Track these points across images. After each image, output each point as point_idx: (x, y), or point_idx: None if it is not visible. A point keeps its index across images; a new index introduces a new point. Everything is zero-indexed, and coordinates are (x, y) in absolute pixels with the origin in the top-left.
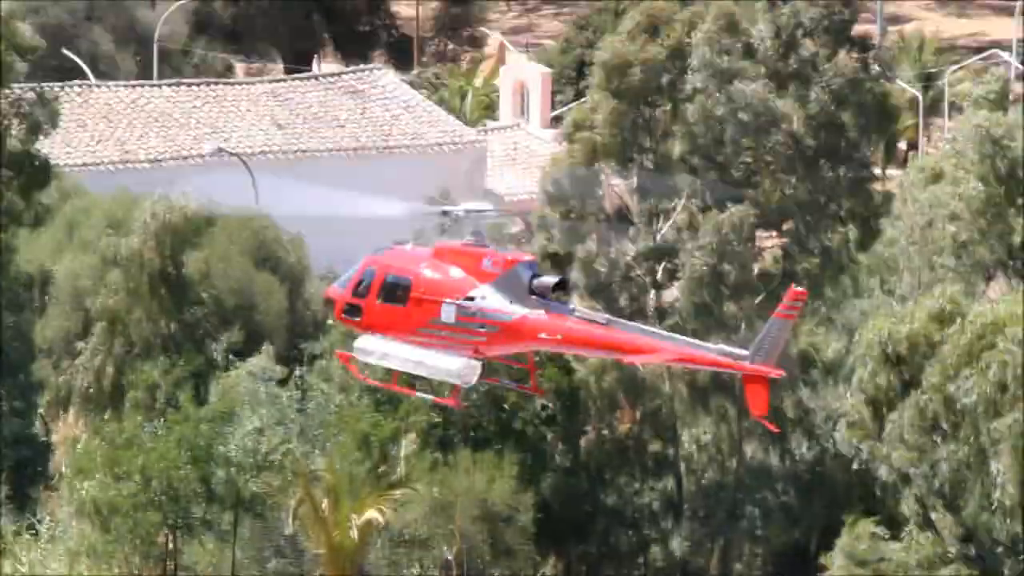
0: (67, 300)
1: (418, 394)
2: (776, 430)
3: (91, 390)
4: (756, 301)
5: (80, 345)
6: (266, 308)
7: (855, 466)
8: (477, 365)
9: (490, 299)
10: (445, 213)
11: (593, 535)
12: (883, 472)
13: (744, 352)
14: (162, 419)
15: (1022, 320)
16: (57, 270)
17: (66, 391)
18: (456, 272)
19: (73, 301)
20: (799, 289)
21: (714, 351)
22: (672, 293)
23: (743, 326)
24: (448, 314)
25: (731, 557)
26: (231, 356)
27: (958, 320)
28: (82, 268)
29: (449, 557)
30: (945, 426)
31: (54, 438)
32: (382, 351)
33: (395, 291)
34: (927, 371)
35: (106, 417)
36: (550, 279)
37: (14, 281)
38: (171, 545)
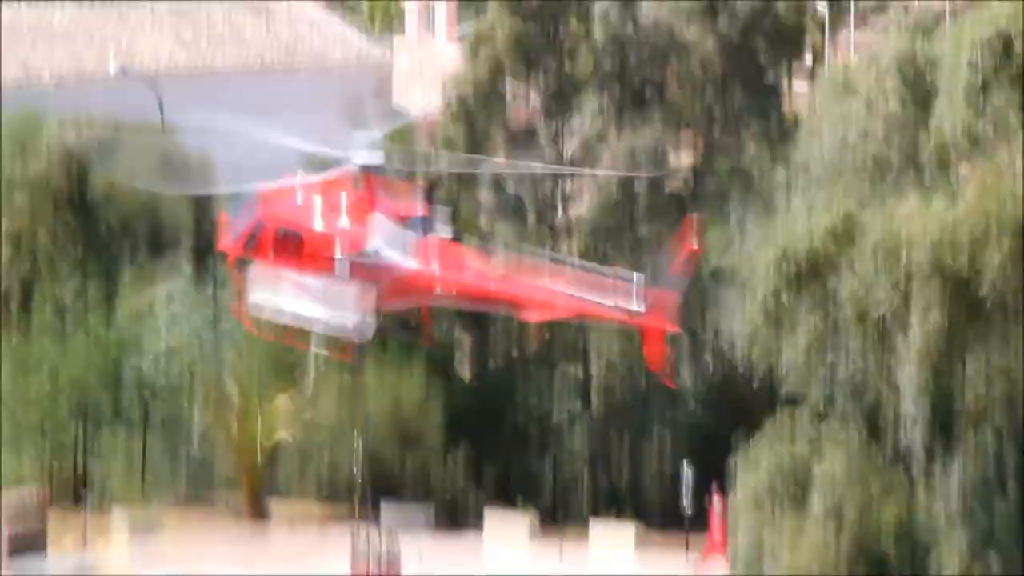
0: None
1: (314, 349)
2: (673, 386)
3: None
4: (666, 223)
5: None
6: (173, 225)
7: (755, 384)
8: (372, 322)
9: (384, 252)
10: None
11: (502, 422)
12: (786, 378)
13: (639, 307)
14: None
15: (925, 234)
16: None
17: None
18: (348, 223)
19: None
20: (693, 247)
21: (611, 305)
22: (580, 211)
23: (651, 251)
24: (342, 269)
25: (640, 449)
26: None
27: (860, 235)
28: None
29: (358, 446)
30: (849, 340)
31: None
32: (275, 305)
33: (288, 243)
34: (831, 284)
35: (14, 342)
36: (445, 230)
37: None
38: (80, 436)
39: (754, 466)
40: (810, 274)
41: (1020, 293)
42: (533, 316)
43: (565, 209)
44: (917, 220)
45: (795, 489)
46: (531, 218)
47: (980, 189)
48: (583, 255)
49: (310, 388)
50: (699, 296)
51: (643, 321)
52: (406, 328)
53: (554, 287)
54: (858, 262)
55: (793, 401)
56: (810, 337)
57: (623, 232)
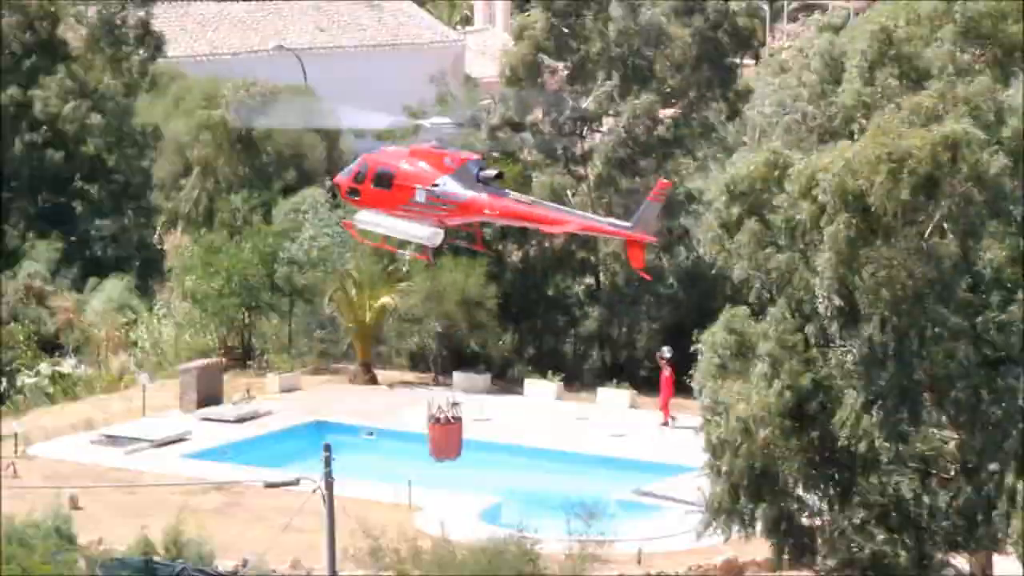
0: (173, 151)
1: (399, 252)
2: (648, 278)
3: (191, 214)
4: (654, 157)
5: (183, 182)
6: (312, 158)
7: (713, 271)
8: (441, 232)
9: (449, 185)
10: (417, 126)
11: (538, 315)
12: (734, 274)
13: (627, 224)
14: (240, 235)
15: (836, 166)
16: (167, 129)
17: (174, 214)
18: (425, 166)
19: (177, 152)
20: (666, 181)
21: (606, 223)
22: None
23: (645, 176)
24: (420, 196)
25: (634, 331)
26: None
27: (788, 166)
28: (184, 129)
29: (439, 329)
30: (780, 241)
31: (167, 247)
32: (375, 221)
33: (383, 179)
34: (768, 199)
35: (201, 233)
36: (492, 172)
37: (134, 130)
38: (246, 321)
39: (712, 344)
40: (749, 193)
41: (900, 207)
42: (552, 230)
43: (584, 147)
44: (827, 156)
45: (742, 362)
46: (560, 151)
47: (871, 136)
48: (598, 180)
49: (405, 266)
50: (678, 209)
51: (629, 234)
52: (465, 238)
53: (567, 213)
54: (786, 184)
55: (739, 292)
56: (750, 239)
57: (625, 162)
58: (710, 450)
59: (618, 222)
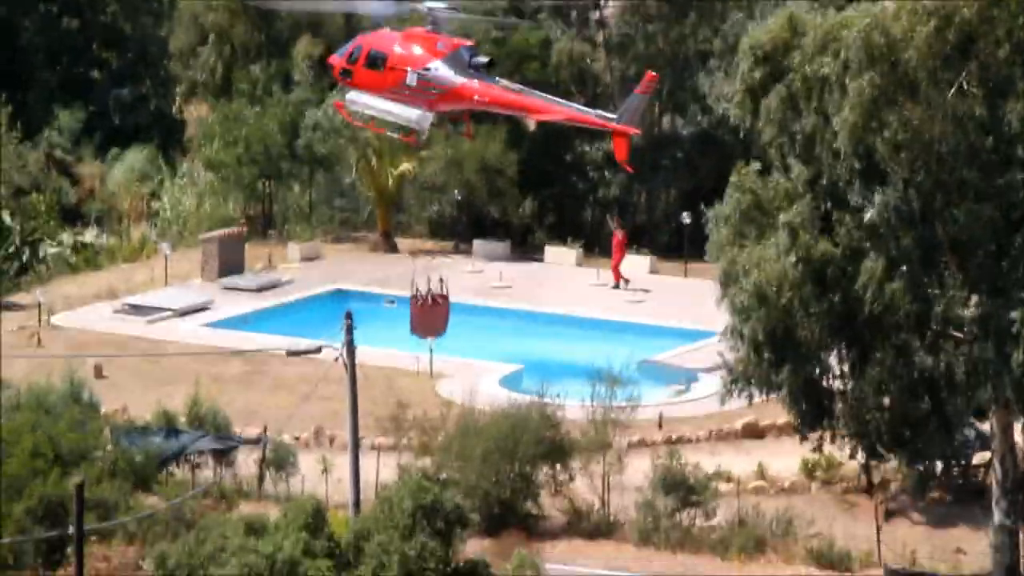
0: (189, 19)
1: (387, 132)
2: (632, 170)
3: (208, 83)
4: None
5: (200, 50)
6: (331, 23)
7: (741, 135)
8: (429, 115)
9: (441, 70)
10: (414, 10)
11: (557, 182)
12: (762, 138)
13: (613, 116)
14: (260, 104)
15: (862, 22)
16: None
17: (193, 84)
18: (418, 50)
19: (193, 20)
20: (653, 74)
21: (593, 114)
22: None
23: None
24: (412, 79)
25: (653, 198)
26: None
27: (809, 27)
28: None
29: (459, 197)
30: (802, 104)
31: (187, 116)
32: (365, 102)
33: (376, 61)
34: (789, 60)
35: (220, 102)
36: (483, 59)
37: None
38: (267, 190)
39: (726, 212)
40: (772, 57)
41: (937, 63)
42: (539, 118)
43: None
44: (852, 14)
45: (757, 227)
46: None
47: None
48: (613, 45)
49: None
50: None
51: (615, 126)
52: (454, 123)
53: (555, 103)
54: (808, 43)
55: (759, 156)
56: (779, 104)
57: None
58: (732, 315)
59: (605, 114)
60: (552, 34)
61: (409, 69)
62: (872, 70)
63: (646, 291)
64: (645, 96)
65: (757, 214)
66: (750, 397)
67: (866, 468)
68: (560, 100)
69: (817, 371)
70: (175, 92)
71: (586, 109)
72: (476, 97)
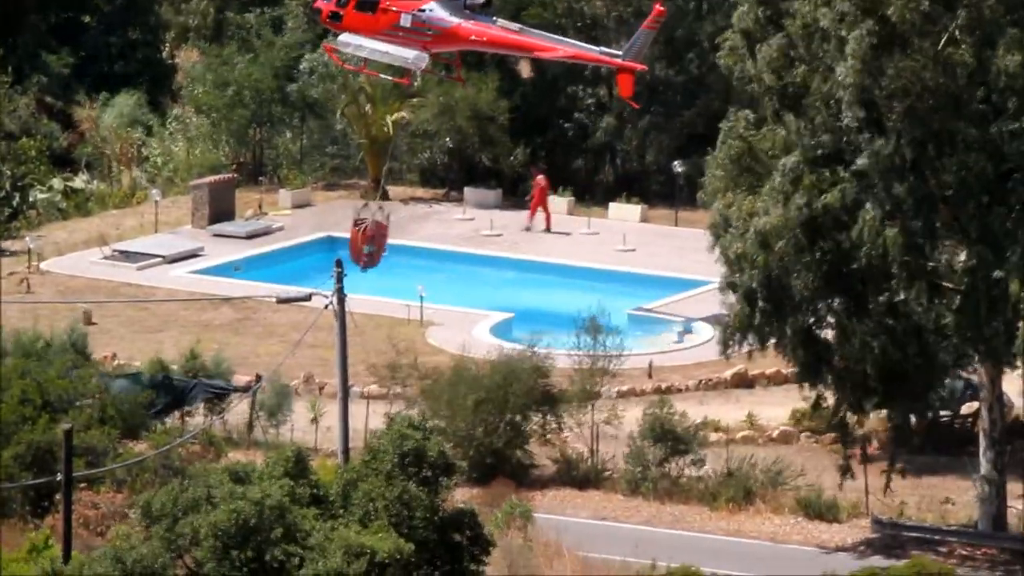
0: None
1: (381, 76)
2: (636, 106)
3: (200, 27)
4: None
5: None
6: None
7: (735, 82)
8: (426, 56)
9: (436, 11)
10: None
11: (549, 130)
12: (754, 86)
13: (618, 52)
14: (251, 50)
15: None
16: None
17: (184, 29)
18: None
19: None
20: (661, 8)
21: (596, 51)
22: None
23: None
24: (406, 20)
25: (644, 146)
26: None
27: None
28: None
29: (450, 145)
30: (798, 53)
31: (177, 61)
32: (358, 44)
33: (367, 4)
34: (788, 4)
35: (211, 47)
36: None
37: None
38: (258, 136)
39: (719, 158)
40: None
41: (918, 17)
42: (541, 56)
43: None
44: None
45: (751, 176)
46: None
47: None
48: None
49: (418, 81)
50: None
51: (620, 62)
52: (446, 69)
53: (556, 42)
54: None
55: (750, 104)
56: (775, 52)
57: None
58: (727, 264)
59: (609, 50)
60: None
61: (403, 11)
62: (866, 22)
63: (637, 241)
64: (652, 31)
65: (751, 161)
66: (750, 351)
67: (841, 421)
68: (562, 38)
69: (812, 320)
70: (165, 37)
71: (589, 46)
72: (472, 37)
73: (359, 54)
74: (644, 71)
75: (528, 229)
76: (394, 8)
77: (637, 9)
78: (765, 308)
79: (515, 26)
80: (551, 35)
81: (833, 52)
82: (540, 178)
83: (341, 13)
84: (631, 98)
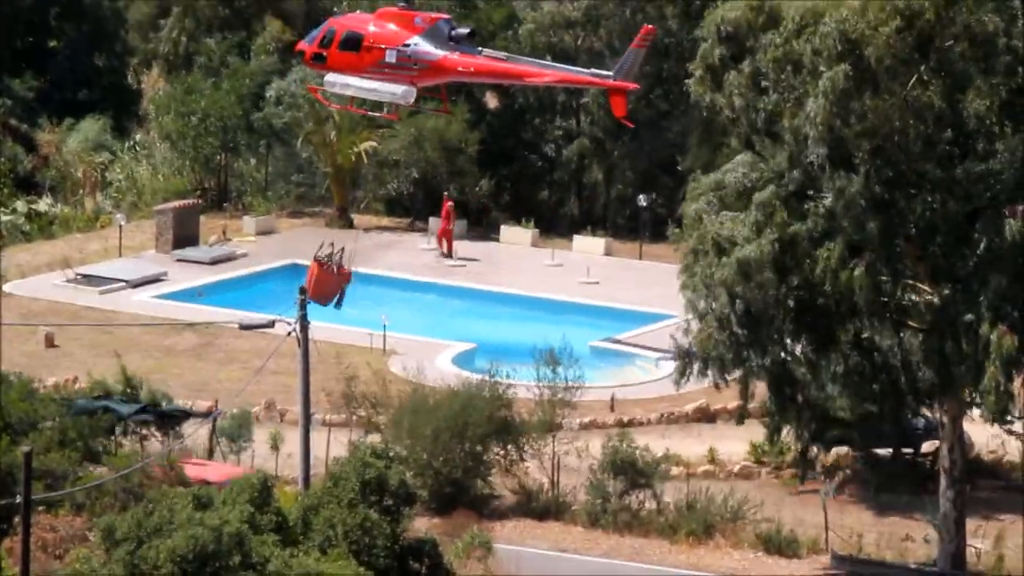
0: None
1: (370, 113)
2: (631, 125)
3: (169, 55)
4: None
5: (162, 23)
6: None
7: (704, 112)
8: (414, 89)
9: (421, 45)
10: None
11: (515, 161)
12: (723, 113)
13: (609, 73)
14: (217, 76)
15: (841, 13)
16: None
17: (151, 55)
18: (395, 27)
19: None
20: (650, 27)
21: (587, 73)
22: None
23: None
24: (391, 56)
25: (614, 174)
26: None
27: (778, 12)
28: None
29: (416, 175)
30: (768, 83)
31: (143, 87)
32: (344, 83)
33: (351, 43)
34: (763, 40)
35: (180, 74)
36: (464, 30)
37: None
38: (223, 162)
39: (696, 189)
40: (736, 36)
41: (896, 60)
42: (531, 82)
43: None
44: (823, 2)
45: (722, 206)
46: None
47: None
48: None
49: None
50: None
51: (611, 83)
52: (432, 100)
53: (544, 67)
54: (785, 26)
55: (716, 136)
56: (744, 79)
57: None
58: (701, 294)
59: (599, 71)
60: (519, 8)
61: (388, 47)
62: (843, 61)
63: (601, 274)
64: (641, 50)
65: (725, 196)
66: (717, 382)
67: (802, 455)
68: (550, 63)
69: (783, 353)
70: (131, 63)
71: (578, 69)
72: (459, 68)
73: (346, 93)
74: (636, 89)
75: (444, 256)
76: (379, 45)
77: (608, 42)
78: (740, 338)
79: (501, 54)
80: (538, 61)
81: (804, 85)
82: (450, 205)
83: (325, 54)
84: (625, 117)
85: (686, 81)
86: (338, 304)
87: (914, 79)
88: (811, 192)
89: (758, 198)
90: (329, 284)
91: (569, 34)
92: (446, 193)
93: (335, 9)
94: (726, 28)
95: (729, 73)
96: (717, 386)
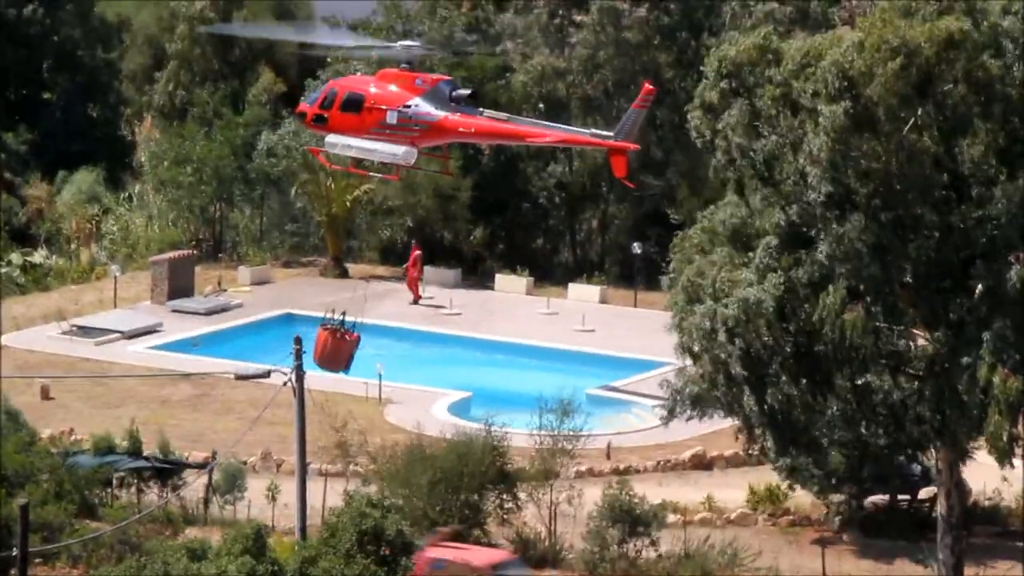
0: (144, 41)
1: (371, 174)
2: (632, 186)
3: (164, 106)
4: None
5: (157, 75)
6: (285, 51)
7: (700, 147)
8: (415, 151)
9: (422, 106)
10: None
11: (509, 209)
12: (717, 155)
13: (609, 133)
14: (211, 127)
15: (837, 51)
16: (136, 20)
17: (145, 106)
18: (396, 88)
19: (148, 42)
20: (651, 87)
21: (587, 134)
22: None
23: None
24: (392, 118)
25: (608, 221)
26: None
27: (779, 52)
28: (154, 20)
29: (410, 224)
30: (764, 126)
31: (137, 138)
32: (345, 143)
33: (352, 104)
34: (755, 83)
35: (175, 124)
36: (464, 91)
37: (102, 23)
38: (218, 213)
39: (690, 235)
40: (736, 75)
41: (896, 100)
42: (532, 143)
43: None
44: (826, 39)
45: (717, 249)
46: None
47: (873, 26)
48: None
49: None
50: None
51: (611, 143)
52: (435, 165)
53: (545, 127)
54: (782, 66)
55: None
56: (740, 117)
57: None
58: (698, 339)
59: (600, 132)
60: (512, 58)
61: (389, 108)
62: (842, 99)
63: (596, 322)
64: (642, 110)
65: (717, 239)
66: (706, 415)
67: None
68: (550, 123)
69: (781, 397)
70: (125, 113)
71: (579, 129)
72: (460, 129)
73: (347, 154)
74: (636, 150)
75: (416, 303)
76: (380, 106)
77: (604, 90)
78: (738, 379)
79: (503, 115)
80: (539, 121)
81: (803, 125)
82: (418, 253)
83: (326, 115)
84: (625, 178)
85: (686, 126)
86: (346, 368)
87: (911, 123)
88: (809, 235)
89: (768, 240)
90: (340, 351)
91: (563, 82)
92: (414, 241)
93: (328, 60)
94: (728, 65)
95: (728, 112)
96: (738, 436)
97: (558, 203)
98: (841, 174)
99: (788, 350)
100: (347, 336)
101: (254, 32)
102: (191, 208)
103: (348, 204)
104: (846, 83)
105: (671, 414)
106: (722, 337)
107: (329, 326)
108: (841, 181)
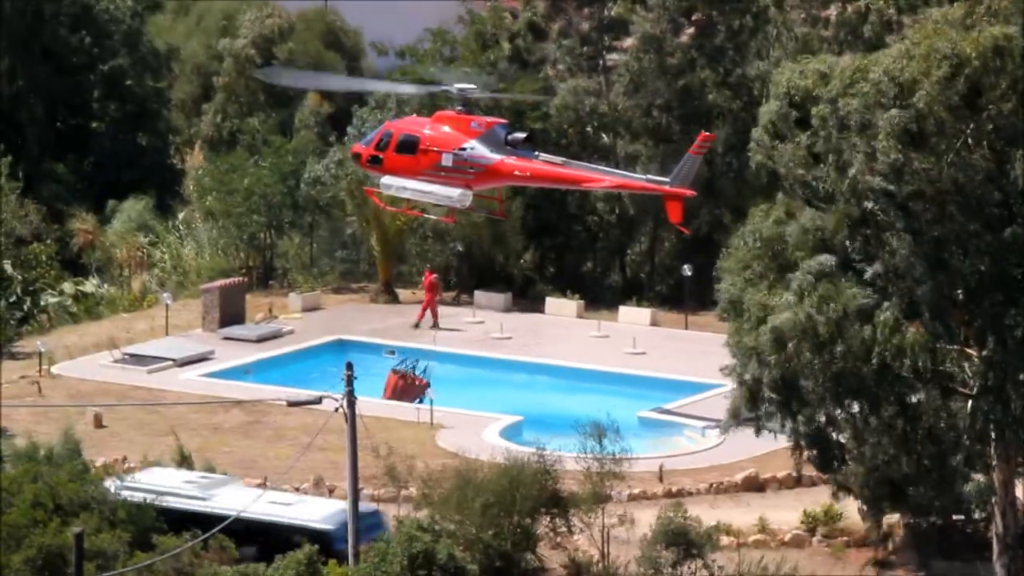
0: (192, 71)
1: (425, 215)
2: (687, 232)
3: (214, 136)
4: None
5: (205, 106)
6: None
7: (764, 177)
8: (470, 193)
9: (477, 149)
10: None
11: (559, 232)
12: (783, 182)
13: (665, 179)
14: (259, 154)
15: (881, 64)
16: (185, 49)
17: (195, 135)
18: (451, 130)
19: (196, 73)
20: (708, 134)
21: (643, 179)
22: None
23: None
24: (447, 160)
25: (657, 243)
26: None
27: (838, 75)
28: (202, 51)
29: (460, 249)
30: (824, 143)
31: (185, 167)
32: (400, 185)
33: (407, 146)
34: (817, 106)
35: (222, 153)
36: (520, 135)
37: (151, 52)
38: (268, 240)
39: (738, 247)
40: (803, 103)
41: (947, 111)
42: (587, 187)
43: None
44: (880, 58)
45: (768, 270)
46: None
47: (923, 36)
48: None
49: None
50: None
51: (667, 189)
52: (488, 207)
53: (601, 172)
54: (834, 85)
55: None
56: (797, 146)
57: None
58: (738, 358)
59: (656, 178)
60: (554, 83)
61: (444, 151)
62: (895, 111)
63: (647, 344)
64: (698, 157)
65: (769, 261)
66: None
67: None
68: (605, 168)
69: (824, 420)
70: (174, 142)
71: (634, 175)
72: (516, 172)
73: (402, 195)
74: (692, 196)
75: (417, 327)
76: (435, 148)
77: (647, 109)
78: (772, 403)
79: (558, 159)
80: (594, 166)
81: (856, 141)
82: (434, 277)
83: (381, 156)
84: (681, 224)
85: (747, 149)
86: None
87: (962, 139)
88: (858, 260)
89: (811, 264)
90: (408, 394)
91: (605, 103)
92: (428, 267)
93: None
94: (797, 92)
95: (787, 143)
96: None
97: (608, 226)
98: (900, 183)
99: (831, 371)
100: (416, 382)
101: (303, 82)
102: (241, 235)
103: (399, 229)
104: (898, 89)
105: (725, 431)
106: (762, 357)
107: (399, 370)
108: (894, 195)
